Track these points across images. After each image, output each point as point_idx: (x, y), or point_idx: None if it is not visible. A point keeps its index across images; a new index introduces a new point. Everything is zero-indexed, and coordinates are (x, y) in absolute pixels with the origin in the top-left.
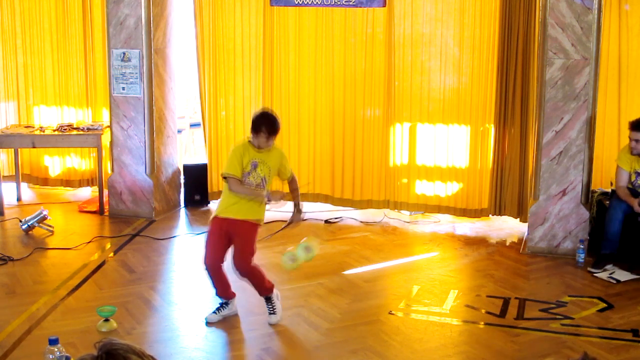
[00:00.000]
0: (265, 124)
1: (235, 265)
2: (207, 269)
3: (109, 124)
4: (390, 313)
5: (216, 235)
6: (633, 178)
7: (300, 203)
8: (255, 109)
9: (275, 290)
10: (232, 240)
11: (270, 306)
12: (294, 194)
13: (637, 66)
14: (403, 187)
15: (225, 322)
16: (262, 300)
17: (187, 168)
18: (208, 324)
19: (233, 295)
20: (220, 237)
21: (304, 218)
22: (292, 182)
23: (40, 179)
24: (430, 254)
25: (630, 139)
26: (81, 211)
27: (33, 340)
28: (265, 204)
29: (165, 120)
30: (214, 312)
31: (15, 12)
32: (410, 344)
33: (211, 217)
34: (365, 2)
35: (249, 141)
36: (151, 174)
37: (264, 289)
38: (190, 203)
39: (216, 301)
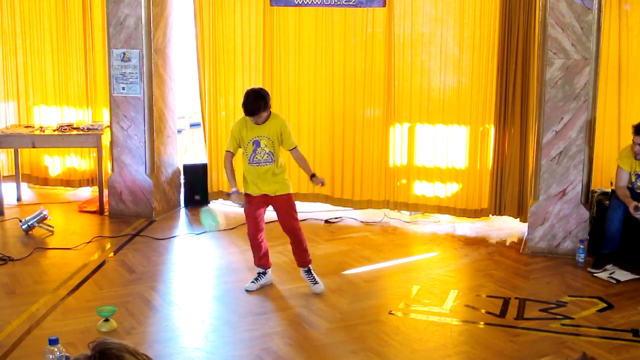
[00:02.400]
0: (243, 105)
1: (285, 227)
2: (249, 239)
3: (109, 124)
4: (390, 313)
5: (253, 206)
6: (633, 179)
7: (315, 176)
8: None
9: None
10: (274, 210)
11: (311, 277)
12: (302, 166)
13: (637, 66)
14: (403, 187)
15: (225, 321)
16: (262, 300)
17: (187, 168)
18: (248, 291)
19: (270, 265)
20: (258, 208)
21: (323, 182)
22: (294, 153)
23: (40, 179)
24: (430, 254)
25: (634, 143)
26: (81, 211)
27: (33, 340)
28: (228, 196)
29: (165, 120)
30: (253, 282)
31: (15, 12)
32: (410, 344)
33: (242, 192)
34: (365, 2)
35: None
36: (151, 174)
37: (306, 261)
38: (190, 203)
39: (254, 271)
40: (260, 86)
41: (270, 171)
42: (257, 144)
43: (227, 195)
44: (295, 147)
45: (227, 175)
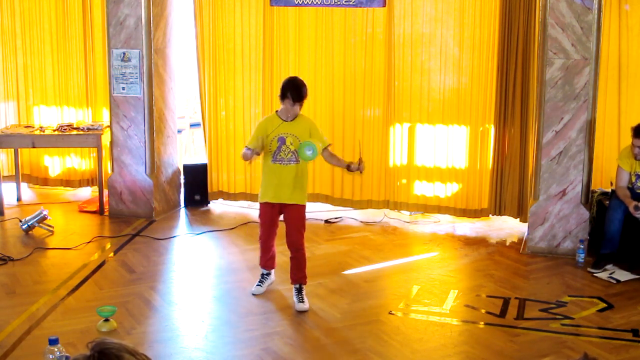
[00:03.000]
0: (290, 89)
1: (290, 242)
2: (261, 242)
3: (109, 124)
4: (390, 313)
5: (268, 215)
6: (633, 179)
7: (352, 163)
8: (255, 108)
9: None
10: (284, 217)
11: (300, 296)
12: (335, 162)
13: (637, 66)
14: (403, 187)
15: (225, 321)
16: (262, 300)
17: (187, 168)
18: (255, 295)
19: (274, 266)
20: (273, 216)
21: (361, 169)
22: (326, 155)
23: (40, 179)
24: (430, 254)
25: (634, 146)
26: (81, 211)
27: (33, 340)
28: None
29: (165, 120)
30: (259, 285)
31: (15, 12)
32: (410, 344)
33: (259, 200)
34: (365, 2)
35: (277, 112)
36: (151, 174)
37: (304, 276)
38: (190, 203)
39: (254, 271)
40: (262, 87)
41: (292, 172)
42: (282, 141)
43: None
44: (327, 148)
45: (246, 154)
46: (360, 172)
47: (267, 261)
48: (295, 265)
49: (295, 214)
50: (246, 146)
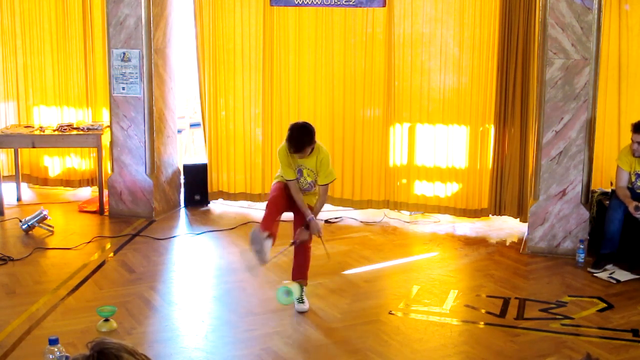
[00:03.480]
0: (289, 142)
1: (297, 237)
2: (269, 205)
3: (109, 124)
4: (390, 313)
5: (283, 190)
6: (633, 179)
7: (312, 219)
8: (255, 108)
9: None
10: (294, 214)
11: (301, 297)
12: (318, 202)
13: (637, 66)
14: (403, 187)
15: (225, 321)
16: (262, 300)
17: (187, 168)
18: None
19: (274, 234)
20: (286, 192)
21: (307, 237)
22: (320, 190)
23: (40, 179)
24: (430, 254)
25: (633, 141)
26: (81, 211)
27: (33, 340)
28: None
29: (165, 120)
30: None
31: (15, 12)
32: (410, 344)
33: (274, 180)
34: (365, 2)
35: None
36: (151, 174)
37: (305, 274)
38: (190, 203)
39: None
40: (262, 86)
41: (307, 199)
42: (300, 172)
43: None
44: (326, 185)
45: (297, 201)
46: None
47: (267, 224)
48: (297, 262)
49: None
50: (283, 178)
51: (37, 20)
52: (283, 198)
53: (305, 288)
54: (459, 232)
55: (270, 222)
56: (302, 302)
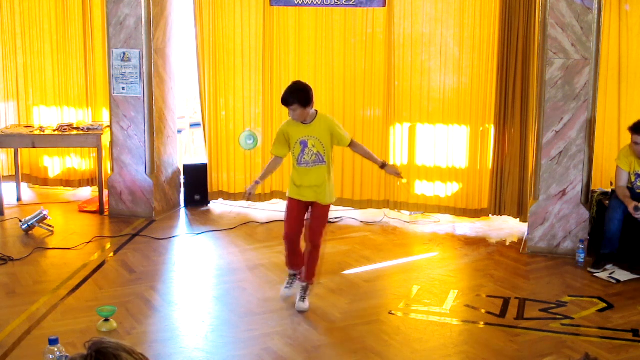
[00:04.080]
0: (282, 98)
1: (309, 238)
2: (286, 240)
3: (109, 124)
4: (390, 313)
5: (295, 211)
6: (633, 179)
7: (386, 164)
8: (255, 109)
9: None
10: (310, 213)
11: (304, 294)
12: (367, 156)
13: (637, 66)
14: (403, 187)
15: (225, 321)
16: (262, 300)
17: (187, 168)
18: (283, 299)
19: (302, 266)
20: (299, 213)
21: (398, 173)
22: (354, 146)
23: (40, 179)
24: (430, 254)
25: (635, 144)
26: (81, 211)
27: (33, 340)
28: (246, 190)
29: (165, 120)
30: (287, 287)
31: (15, 12)
32: (410, 344)
33: (287, 195)
34: (365, 2)
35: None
36: (151, 174)
37: (311, 274)
38: (190, 203)
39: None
40: (262, 87)
41: (317, 174)
42: (304, 144)
43: (245, 191)
44: (351, 142)
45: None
46: (399, 176)
47: (292, 261)
48: (307, 261)
49: (319, 212)
50: (273, 154)
51: (37, 20)
52: (299, 218)
53: (310, 287)
54: (459, 232)
55: (295, 254)
56: (303, 301)
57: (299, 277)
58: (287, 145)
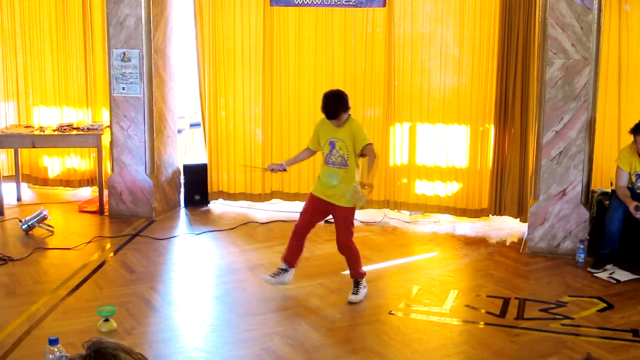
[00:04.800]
0: (322, 108)
1: (339, 243)
2: (294, 231)
3: (109, 124)
4: (390, 313)
5: (311, 206)
6: (633, 179)
7: (369, 177)
8: (255, 109)
9: (364, 282)
10: (332, 218)
11: (355, 288)
12: (368, 166)
13: (637, 66)
14: (403, 187)
15: (225, 321)
16: (262, 300)
17: (187, 168)
18: (266, 281)
19: (294, 264)
20: (315, 209)
21: (364, 201)
22: (368, 152)
23: (40, 179)
24: (430, 254)
25: (637, 143)
26: (81, 211)
27: (33, 340)
28: (264, 169)
29: (165, 120)
30: (272, 275)
31: (15, 12)
32: (410, 344)
33: (310, 191)
34: (365, 2)
35: None
36: (151, 174)
37: (357, 272)
38: (190, 203)
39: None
40: (262, 86)
41: (340, 176)
42: (332, 145)
43: (264, 170)
44: (367, 146)
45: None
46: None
47: (289, 255)
48: (348, 263)
49: (341, 215)
50: (308, 146)
51: (37, 20)
52: (312, 215)
53: (361, 282)
54: (459, 232)
55: (293, 245)
56: (355, 294)
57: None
58: (318, 142)
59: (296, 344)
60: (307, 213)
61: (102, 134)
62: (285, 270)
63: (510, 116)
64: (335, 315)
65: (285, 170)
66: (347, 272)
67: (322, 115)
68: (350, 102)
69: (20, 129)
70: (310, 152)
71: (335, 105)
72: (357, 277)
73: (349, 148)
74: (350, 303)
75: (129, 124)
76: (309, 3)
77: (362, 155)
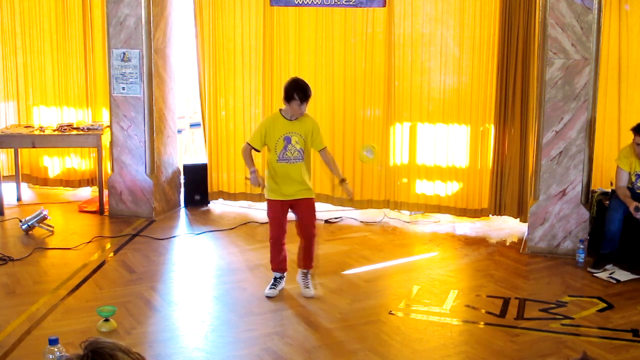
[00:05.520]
0: (296, 90)
1: (304, 233)
2: (273, 243)
3: (109, 124)
4: (390, 313)
5: (279, 213)
6: (633, 179)
7: (342, 177)
8: (255, 109)
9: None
10: (294, 212)
11: (306, 281)
12: (333, 166)
13: (637, 66)
14: (403, 187)
15: (225, 321)
16: (262, 300)
17: (187, 168)
18: (268, 298)
19: (286, 268)
20: (283, 215)
21: (350, 194)
22: (325, 154)
23: (40, 179)
24: (430, 254)
25: (637, 144)
26: (81, 211)
27: (33, 340)
28: (246, 178)
29: (165, 120)
30: (272, 288)
31: (15, 12)
32: (410, 344)
33: (266, 197)
34: (365, 2)
35: (280, 111)
36: (151, 174)
37: (310, 260)
38: (190, 203)
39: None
40: (262, 86)
41: (299, 170)
42: (288, 140)
43: (246, 179)
44: (325, 148)
45: (244, 160)
46: (349, 196)
47: (279, 263)
48: (305, 252)
49: (306, 206)
50: (249, 143)
51: (37, 20)
52: (281, 220)
53: (310, 272)
54: (459, 232)
55: (278, 255)
56: (308, 287)
57: (301, 270)
58: (262, 141)
59: (296, 344)
60: (276, 221)
61: (102, 134)
62: (281, 278)
63: (510, 116)
64: (335, 315)
65: (256, 171)
66: (347, 272)
67: (274, 112)
68: (345, 101)
69: (20, 129)
70: (250, 148)
71: (309, 87)
72: (309, 267)
73: (307, 141)
74: (307, 297)
75: (129, 123)
76: (309, 3)
77: (324, 158)
